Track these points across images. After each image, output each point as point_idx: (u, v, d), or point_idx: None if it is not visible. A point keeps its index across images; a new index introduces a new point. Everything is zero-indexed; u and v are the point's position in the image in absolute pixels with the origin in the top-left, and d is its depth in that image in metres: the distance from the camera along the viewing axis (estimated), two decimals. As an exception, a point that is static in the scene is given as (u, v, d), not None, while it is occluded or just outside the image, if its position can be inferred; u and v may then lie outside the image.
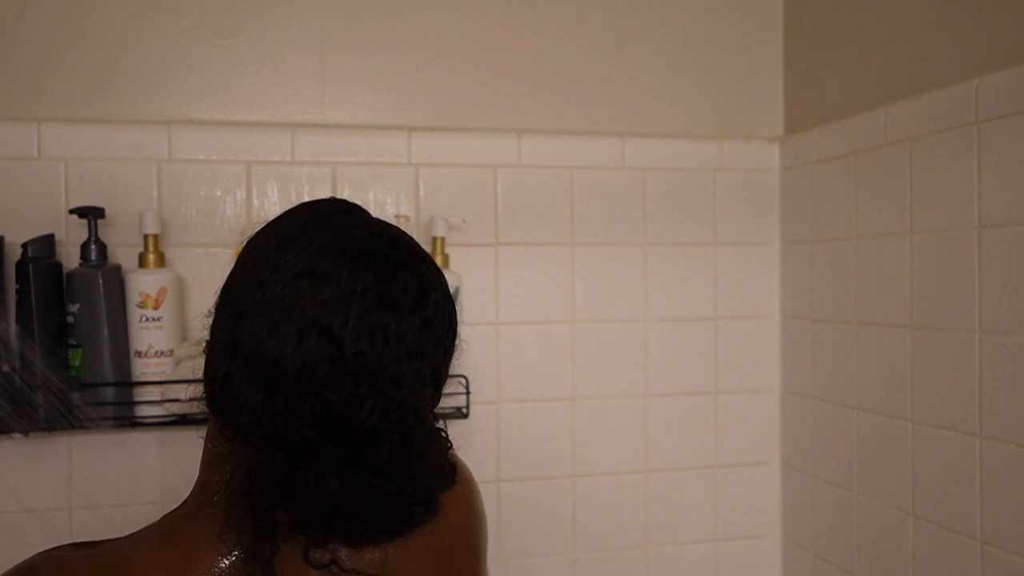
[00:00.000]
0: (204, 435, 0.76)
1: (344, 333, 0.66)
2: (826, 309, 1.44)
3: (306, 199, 1.38)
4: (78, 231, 1.28)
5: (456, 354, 0.77)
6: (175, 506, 0.76)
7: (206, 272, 1.35)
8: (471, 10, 1.45)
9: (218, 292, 0.74)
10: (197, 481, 0.75)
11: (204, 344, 0.74)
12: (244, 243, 0.76)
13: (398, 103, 1.43)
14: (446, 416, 0.87)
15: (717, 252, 1.56)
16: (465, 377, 1.38)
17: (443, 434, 0.72)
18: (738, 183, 1.56)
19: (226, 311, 0.72)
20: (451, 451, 0.73)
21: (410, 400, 0.67)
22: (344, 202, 0.79)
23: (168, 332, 1.27)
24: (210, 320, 0.74)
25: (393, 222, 1.44)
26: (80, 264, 1.25)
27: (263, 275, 0.69)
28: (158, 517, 0.75)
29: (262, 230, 0.76)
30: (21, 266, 1.21)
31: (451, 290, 1.39)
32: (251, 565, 0.68)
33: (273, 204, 1.38)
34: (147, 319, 1.26)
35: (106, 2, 1.32)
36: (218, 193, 1.36)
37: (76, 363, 1.23)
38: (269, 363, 0.66)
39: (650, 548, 1.53)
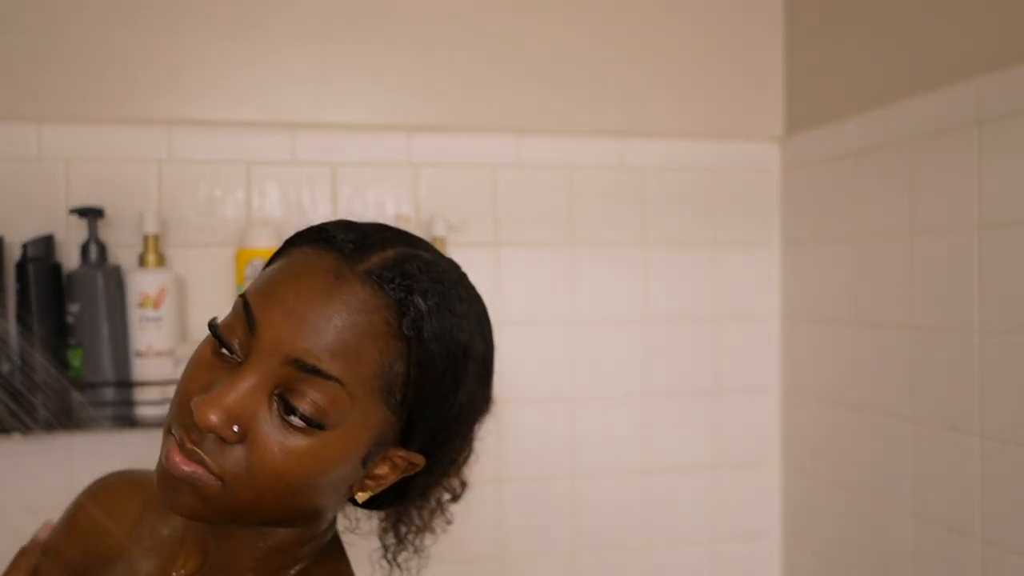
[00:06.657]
0: None
1: None
2: (826, 309, 1.44)
3: (305, 199, 1.39)
4: (78, 231, 1.28)
5: None
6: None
7: (206, 272, 1.35)
8: (471, 10, 1.45)
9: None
10: None
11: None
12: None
13: (398, 103, 1.43)
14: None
15: (717, 252, 1.55)
16: (465, 377, 1.38)
17: None
18: (738, 183, 1.56)
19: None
20: None
21: None
22: None
23: (168, 332, 1.27)
24: None
25: (393, 222, 1.44)
26: (80, 264, 1.25)
27: None
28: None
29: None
30: (21, 266, 1.21)
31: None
32: None
33: (273, 204, 1.38)
34: (147, 319, 1.26)
35: (106, 2, 1.32)
36: (218, 193, 1.36)
37: (76, 363, 1.23)
38: None
39: (650, 548, 1.53)
